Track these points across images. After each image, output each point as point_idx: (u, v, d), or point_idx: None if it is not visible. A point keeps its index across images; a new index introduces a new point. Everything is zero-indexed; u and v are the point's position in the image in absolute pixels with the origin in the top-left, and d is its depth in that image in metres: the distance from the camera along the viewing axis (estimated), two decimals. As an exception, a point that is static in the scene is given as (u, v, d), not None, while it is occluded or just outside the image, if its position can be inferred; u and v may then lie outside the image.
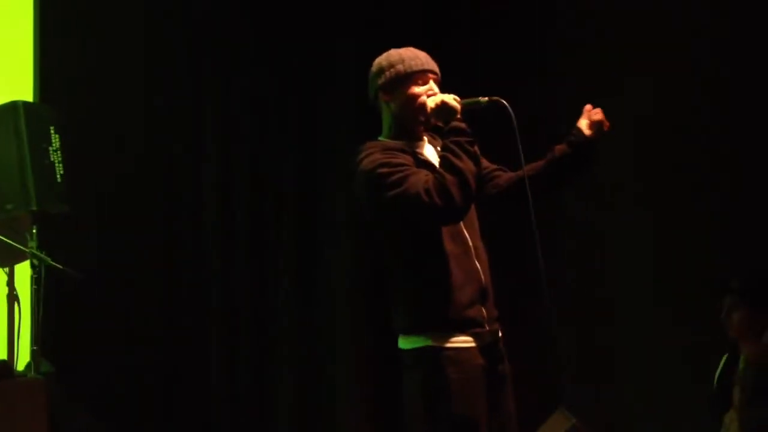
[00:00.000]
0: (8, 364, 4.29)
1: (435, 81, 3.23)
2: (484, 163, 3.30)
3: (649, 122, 5.04)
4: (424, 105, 3.17)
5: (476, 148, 3.07)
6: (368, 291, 5.54)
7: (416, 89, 3.19)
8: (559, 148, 3.28)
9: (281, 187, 5.75)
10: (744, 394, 4.04)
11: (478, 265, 3.17)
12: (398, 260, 3.15)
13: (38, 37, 5.26)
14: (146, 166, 5.49)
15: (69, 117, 4.76)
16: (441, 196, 2.97)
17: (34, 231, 4.39)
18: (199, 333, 5.57)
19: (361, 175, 3.11)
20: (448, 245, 3.11)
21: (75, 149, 4.65)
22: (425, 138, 3.27)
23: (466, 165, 3.01)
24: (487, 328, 3.15)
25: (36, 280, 4.30)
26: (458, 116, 3.10)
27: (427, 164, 3.15)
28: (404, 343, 3.16)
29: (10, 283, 4.42)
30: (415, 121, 3.21)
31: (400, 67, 3.20)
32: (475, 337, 3.12)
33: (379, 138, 3.26)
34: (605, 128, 3.27)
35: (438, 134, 3.21)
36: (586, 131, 3.25)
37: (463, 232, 3.16)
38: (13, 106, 4.45)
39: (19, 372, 4.35)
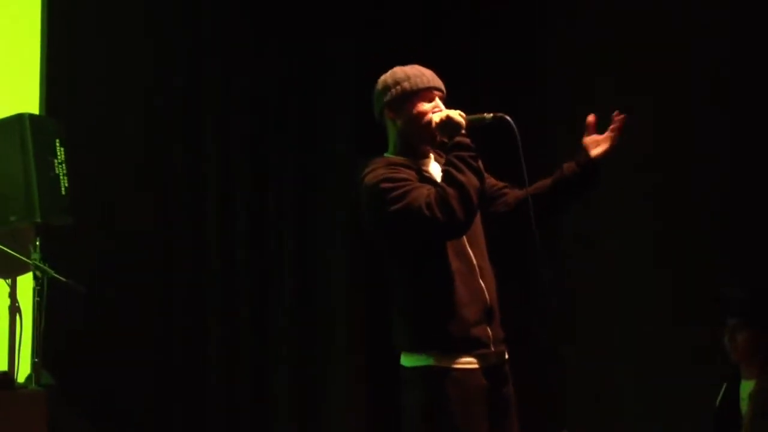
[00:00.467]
0: (9, 376, 4.29)
1: (441, 98, 3.24)
2: (492, 180, 3.30)
3: (650, 123, 5.03)
4: (429, 122, 3.17)
5: (479, 162, 3.07)
6: (368, 292, 5.54)
7: (422, 107, 3.19)
8: (568, 166, 3.27)
9: (281, 188, 5.77)
10: (756, 420, 3.97)
11: (483, 284, 3.15)
12: (401, 277, 3.14)
13: (45, 50, 5.28)
14: (147, 170, 5.52)
15: (73, 127, 4.77)
16: (442, 211, 2.97)
17: (37, 243, 4.39)
18: (200, 344, 5.58)
19: (364, 190, 3.11)
20: (453, 263, 3.10)
21: (78, 157, 4.67)
22: (431, 155, 3.27)
23: (469, 179, 3.01)
24: (493, 349, 3.13)
25: (38, 292, 4.30)
26: (463, 131, 3.10)
27: (431, 181, 3.15)
28: (406, 360, 3.14)
29: (12, 295, 4.43)
30: (421, 139, 3.21)
31: (405, 84, 3.20)
32: (480, 358, 3.10)
33: (385, 155, 3.26)
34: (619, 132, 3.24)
35: (443, 151, 3.21)
36: (591, 151, 3.24)
37: (468, 251, 3.15)
38: (19, 118, 4.47)
39: (19, 384, 4.34)
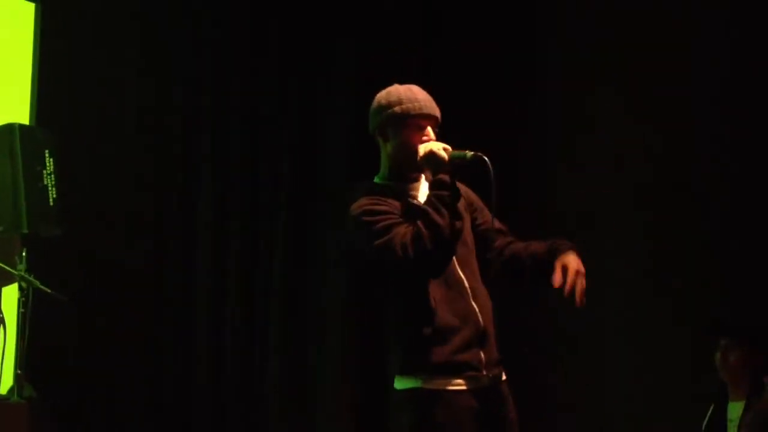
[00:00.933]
0: (-9, 388, 4.26)
1: (433, 125, 3.22)
2: (484, 217, 3.28)
3: (649, 124, 5.03)
4: (416, 152, 3.16)
5: (460, 201, 3.06)
6: (362, 293, 5.50)
7: (410, 135, 3.17)
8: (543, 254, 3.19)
9: (278, 188, 5.73)
10: None
11: (475, 306, 3.13)
12: (388, 301, 3.14)
13: (37, 59, 5.26)
14: (138, 181, 5.51)
15: (64, 137, 4.76)
16: (416, 252, 2.97)
17: (23, 254, 4.35)
18: (188, 355, 5.55)
19: (349, 217, 3.12)
20: (440, 289, 3.09)
21: (68, 169, 4.65)
22: (422, 177, 3.25)
23: (444, 221, 3.00)
24: (485, 372, 3.11)
25: (23, 303, 4.27)
26: (446, 167, 3.09)
27: (415, 209, 3.11)
28: (397, 383, 3.13)
29: (-3, 306, 4.40)
30: (408, 166, 3.21)
31: (397, 109, 3.18)
32: (469, 380, 3.08)
33: (376, 178, 3.25)
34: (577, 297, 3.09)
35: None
36: (555, 279, 3.08)
37: (458, 274, 3.13)
38: (9, 128, 4.45)
39: (2, 396, 4.30)
